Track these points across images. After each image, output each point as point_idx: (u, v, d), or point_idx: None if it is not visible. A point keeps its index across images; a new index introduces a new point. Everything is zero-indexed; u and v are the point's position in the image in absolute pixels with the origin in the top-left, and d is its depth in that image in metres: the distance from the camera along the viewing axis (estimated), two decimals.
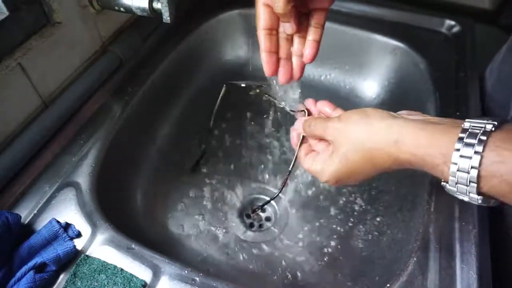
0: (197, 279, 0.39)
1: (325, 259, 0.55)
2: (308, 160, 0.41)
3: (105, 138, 0.51)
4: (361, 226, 0.58)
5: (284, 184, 0.48)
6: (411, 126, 0.33)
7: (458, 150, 0.29)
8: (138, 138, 0.59)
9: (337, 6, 0.74)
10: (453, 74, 0.63)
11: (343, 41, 0.72)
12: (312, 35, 0.40)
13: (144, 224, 0.54)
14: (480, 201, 0.30)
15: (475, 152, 0.28)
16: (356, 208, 0.60)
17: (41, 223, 0.42)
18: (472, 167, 0.28)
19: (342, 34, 0.71)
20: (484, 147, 0.28)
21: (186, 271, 0.39)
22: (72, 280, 0.38)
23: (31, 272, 0.37)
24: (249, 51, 0.77)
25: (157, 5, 0.51)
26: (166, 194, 0.61)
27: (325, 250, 0.57)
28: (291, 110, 0.46)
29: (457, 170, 0.29)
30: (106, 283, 0.37)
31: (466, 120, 0.31)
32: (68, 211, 0.43)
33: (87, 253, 0.40)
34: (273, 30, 0.40)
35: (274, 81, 0.45)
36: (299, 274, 0.54)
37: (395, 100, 0.69)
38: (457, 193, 0.31)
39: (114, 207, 0.48)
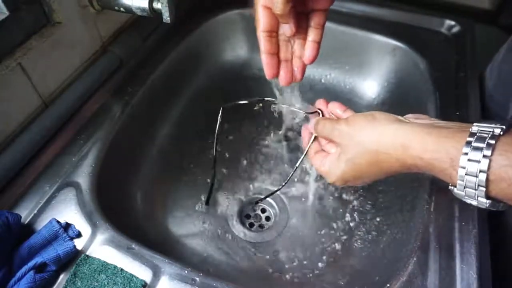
0: (197, 279, 0.39)
1: (325, 259, 0.56)
2: (317, 160, 0.42)
3: (105, 138, 0.51)
4: (361, 226, 0.58)
5: (289, 178, 0.48)
6: (418, 130, 0.33)
7: (466, 154, 0.29)
8: (138, 138, 0.59)
9: (337, 6, 0.74)
10: (453, 74, 0.63)
11: (343, 41, 0.72)
12: (312, 36, 0.40)
13: (144, 224, 0.54)
14: (488, 205, 0.30)
15: (484, 156, 0.28)
16: (356, 208, 0.60)
17: (41, 223, 0.42)
18: (480, 171, 0.28)
19: (342, 34, 0.71)
20: (492, 151, 0.28)
21: (186, 271, 0.39)
22: (72, 280, 0.38)
23: (31, 272, 0.37)
24: (249, 51, 0.77)
25: (157, 5, 0.51)
26: (166, 194, 0.61)
27: (325, 250, 0.57)
28: (306, 112, 0.46)
29: (465, 174, 0.29)
30: (106, 283, 0.37)
31: (474, 124, 0.31)
32: (68, 211, 0.43)
33: (87, 253, 0.40)
34: (273, 32, 0.40)
35: (275, 89, 0.45)
36: (299, 274, 0.54)
37: (395, 100, 0.69)
38: (465, 197, 0.31)
39: (114, 207, 0.48)
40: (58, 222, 0.41)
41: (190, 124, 0.68)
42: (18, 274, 0.37)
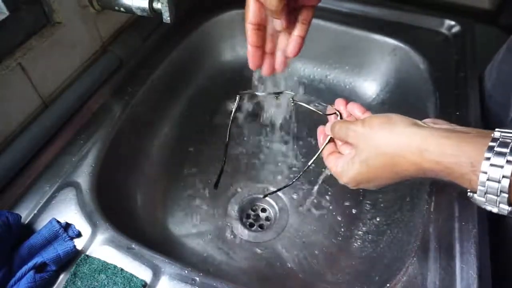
0: (197, 279, 0.39)
1: (325, 259, 0.56)
2: (331, 161, 0.42)
3: (105, 138, 0.51)
4: (361, 226, 0.58)
5: (300, 175, 0.48)
6: (435, 134, 0.32)
7: (488, 159, 0.28)
8: (138, 138, 0.59)
9: (337, 6, 0.74)
10: (453, 74, 0.63)
11: (343, 41, 0.72)
12: (298, 31, 0.40)
13: (144, 224, 0.54)
14: (509, 212, 0.29)
15: (507, 162, 0.28)
16: (356, 208, 0.60)
17: (41, 223, 0.42)
18: (503, 177, 0.28)
19: (342, 34, 0.71)
20: None
21: (186, 271, 0.39)
22: (72, 280, 0.38)
23: (31, 272, 0.37)
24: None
25: (157, 5, 0.51)
26: (166, 194, 0.61)
27: (325, 250, 0.57)
28: (324, 114, 0.46)
29: (487, 180, 0.29)
30: (106, 283, 0.37)
31: (496, 129, 0.30)
32: (68, 211, 0.43)
33: (87, 253, 0.40)
34: (261, 25, 0.40)
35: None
36: (299, 274, 0.54)
37: (395, 100, 0.69)
38: (486, 203, 0.30)
39: (114, 207, 0.48)
40: (58, 222, 0.41)
41: (190, 124, 0.68)
42: (18, 274, 0.37)
